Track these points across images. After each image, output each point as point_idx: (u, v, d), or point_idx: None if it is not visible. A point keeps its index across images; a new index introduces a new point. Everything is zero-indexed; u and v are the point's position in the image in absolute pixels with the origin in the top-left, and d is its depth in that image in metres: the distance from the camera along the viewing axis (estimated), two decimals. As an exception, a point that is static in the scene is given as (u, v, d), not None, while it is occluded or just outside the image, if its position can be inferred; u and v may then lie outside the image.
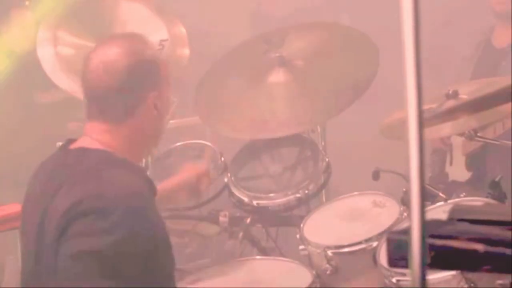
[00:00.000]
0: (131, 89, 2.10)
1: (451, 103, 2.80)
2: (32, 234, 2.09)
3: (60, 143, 3.33)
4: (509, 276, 2.20)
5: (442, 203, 2.71)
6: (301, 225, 2.84)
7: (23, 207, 2.24)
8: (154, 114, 2.13)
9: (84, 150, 2.11)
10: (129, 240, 1.93)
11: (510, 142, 2.97)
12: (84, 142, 2.14)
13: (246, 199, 3.07)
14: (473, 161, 3.81)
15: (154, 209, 2.07)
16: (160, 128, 2.22)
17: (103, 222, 1.92)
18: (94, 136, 2.12)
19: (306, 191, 3.01)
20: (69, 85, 3.31)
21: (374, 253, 2.57)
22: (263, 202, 3.04)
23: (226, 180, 3.17)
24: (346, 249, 2.67)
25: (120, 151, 2.11)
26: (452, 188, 3.51)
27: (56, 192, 2.04)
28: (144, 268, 1.96)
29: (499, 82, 2.74)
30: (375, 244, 2.62)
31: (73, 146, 2.16)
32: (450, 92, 2.85)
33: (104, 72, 2.09)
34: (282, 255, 3.00)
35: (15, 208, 2.98)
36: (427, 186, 2.78)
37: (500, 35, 4.17)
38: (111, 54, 2.12)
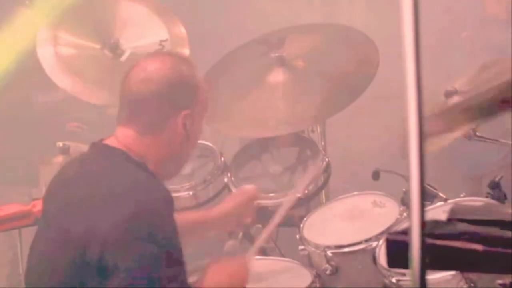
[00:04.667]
0: (165, 101, 2.09)
1: (451, 102, 2.80)
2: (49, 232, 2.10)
3: (60, 143, 3.37)
4: (509, 276, 2.20)
5: (442, 203, 2.71)
6: (301, 225, 2.84)
7: (44, 198, 2.24)
8: (181, 132, 2.11)
9: (107, 147, 2.12)
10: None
11: (510, 142, 2.96)
12: (109, 140, 2.14)
13: (246, 199, 3.06)
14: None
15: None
16: (185, 149, 2.18)
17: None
18: (120, 138, 2.12)
19: (306, 191, 3.01)
20: (69, 85, 3.31)
21: (373, 253, 2.57)
22: (263, 202, 3.03)
23: (226, 180, 3.17)
24: (346, 249, 2.67)
25: (141, 159, 2.10)
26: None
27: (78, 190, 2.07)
28: None
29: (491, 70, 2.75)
30: (375, 244, 2.62)
31: (101, 142, 2.17)
32: (449, 90, 2.85)
33: (143, 81, 2.10)
34: (282, 255, 3.00)
35: (14, 208, 2.98)
36: (427, 186, 2.77)
37: None
38: (154, 64, 2.12)
